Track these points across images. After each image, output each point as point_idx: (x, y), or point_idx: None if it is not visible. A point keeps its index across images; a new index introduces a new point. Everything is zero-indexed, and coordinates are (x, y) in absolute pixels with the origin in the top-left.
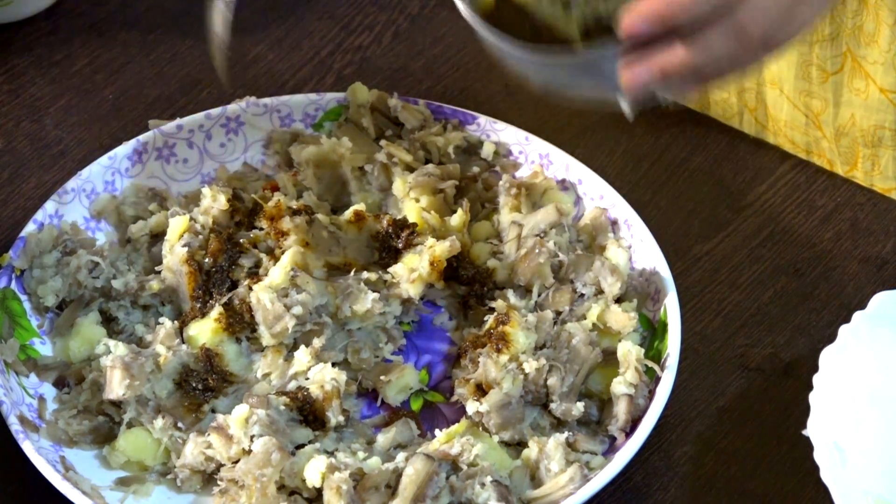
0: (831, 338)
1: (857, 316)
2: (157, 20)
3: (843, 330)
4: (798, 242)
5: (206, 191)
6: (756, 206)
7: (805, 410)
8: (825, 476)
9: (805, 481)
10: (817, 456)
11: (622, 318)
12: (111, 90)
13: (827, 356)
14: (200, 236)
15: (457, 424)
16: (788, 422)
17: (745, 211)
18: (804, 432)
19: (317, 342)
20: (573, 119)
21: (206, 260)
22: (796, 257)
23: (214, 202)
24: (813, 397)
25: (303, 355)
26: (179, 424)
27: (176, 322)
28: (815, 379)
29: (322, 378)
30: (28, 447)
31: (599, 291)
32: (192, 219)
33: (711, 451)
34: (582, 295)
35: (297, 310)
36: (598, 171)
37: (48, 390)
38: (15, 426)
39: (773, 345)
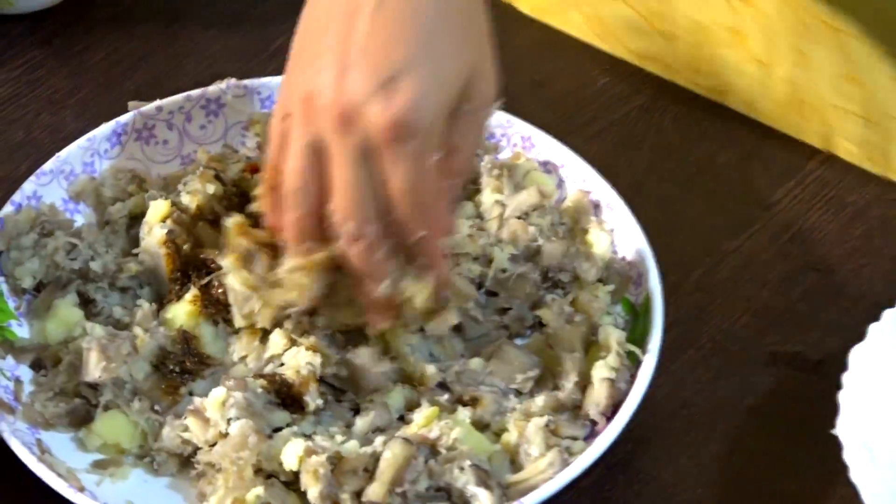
0: (861, 336)
1: (888, 314)
2: (177, 12)
3: (873, 328)
4: (827, 240)
5: (193, 175)
6: (785, 202)
7: (834, 409)
8: (854, 476)
9: (834, 481)
10: (846, 456)
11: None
12: (131, 82)
13: (856, 355)
14: (182, 220)
15: (432, 408)
16: (817, 421)
17: (773, 207)
18: (833, 432)
19: (288, 325)
20: (600, 113)
21: (185, 246)
22: (826, 255)
23: (203, 188)
24: (842, 396)
25: (278, 338)
26: (156, 407)
27: (154, 304)
28: (845, 378)
29: (297, 362)
30: (4, 429)
31: (576, 278)
32: (174, 203)
33: (739, 450)
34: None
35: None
36: (626, 164)
37: (25, 372)
38: None
39: (802, 343)
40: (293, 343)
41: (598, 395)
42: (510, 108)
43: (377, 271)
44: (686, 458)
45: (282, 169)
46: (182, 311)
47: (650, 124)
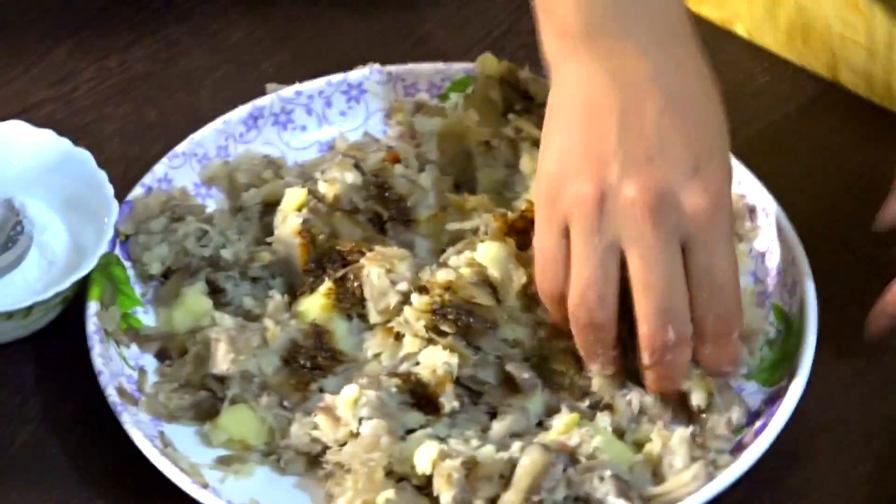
0: None
1: None
2: None
3: None
4: None
5: (331, 163)
6: None
7: None
8: None
9: None
10: None
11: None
12: (270, 64)
13: None
14: (318, 209)
15: (573, 414)
16: None
17: None
18: None
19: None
20: (761, 114)
21: (321, 237)
22: None
23: (342, 176)
24: None
25: (413, 336)
26: (285, 403)
27: (286, 296)
28: None
29: (434, 362)
30: (126, 420)
31: None
32: (310, 191)
33: (892, 471)
34: None
35: (403, 286)
36: (786, 166)
37: (149, 362)
38: (113, 398)
39: None
40: (430, 342)
41: (739, 409)
42: None
43: (679, 370)
44: (836, 476)
45: (557, 278)
46: (315, 305)
47: (809, 127)
